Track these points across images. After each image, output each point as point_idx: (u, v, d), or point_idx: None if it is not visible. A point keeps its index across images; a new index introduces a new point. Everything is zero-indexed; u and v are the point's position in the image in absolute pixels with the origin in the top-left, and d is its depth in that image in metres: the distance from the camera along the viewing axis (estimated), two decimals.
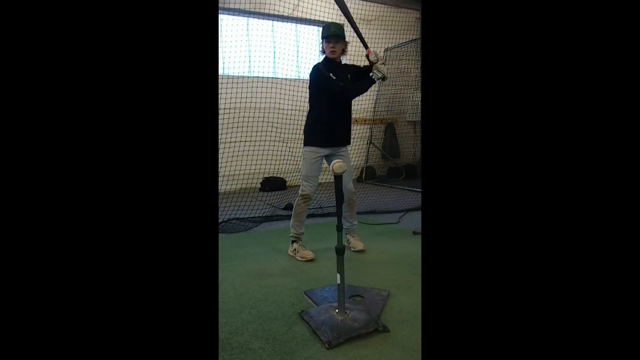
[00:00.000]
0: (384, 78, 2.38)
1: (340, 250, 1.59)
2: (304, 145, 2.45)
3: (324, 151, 2.43)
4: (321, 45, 2.40)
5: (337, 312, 1.58)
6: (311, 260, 2.37)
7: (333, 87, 2.30)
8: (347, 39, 2.40)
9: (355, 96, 2.39)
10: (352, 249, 2.59)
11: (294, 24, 5.59)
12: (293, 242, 2.49)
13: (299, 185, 2.48)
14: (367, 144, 6.16)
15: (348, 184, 2.47)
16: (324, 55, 2.39)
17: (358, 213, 2.74)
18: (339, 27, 2.34)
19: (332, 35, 2.31)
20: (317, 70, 2.35)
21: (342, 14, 2.42)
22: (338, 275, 1.58)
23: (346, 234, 2.65)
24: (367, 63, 2.44)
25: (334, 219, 1.67)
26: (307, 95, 2.48)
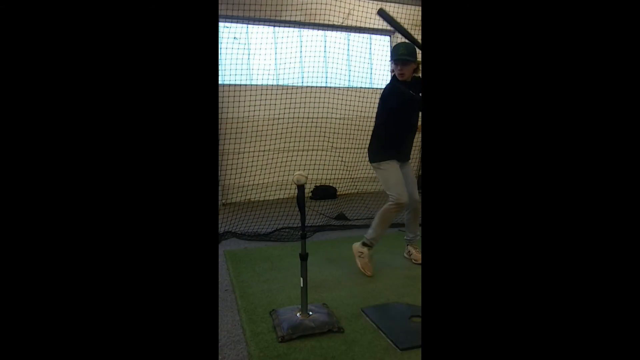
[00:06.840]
0: None
1: (303, 257, 1.72)
2: (381, 161, 2.38)
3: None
4: (391, 63, 2.34)
5: (300, 313, 1.73)
6: (369, 276, 2.31)
7: (413, 102, 2.26)
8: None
9: None
10: (414, 261, 2.50)
11: (345, 33, 5.60)
12: (365, 244, 2.41)
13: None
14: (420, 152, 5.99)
15: (414, 194, 2.43)
16: (394, 74, 2.33)
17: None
18: (409, 50, 2.24)
19: (400, 60, 2.24)
20: (394, 88, 2.31)
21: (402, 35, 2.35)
22: (301, 279, 1.71)
23: (407, 245, 2.59)
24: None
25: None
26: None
